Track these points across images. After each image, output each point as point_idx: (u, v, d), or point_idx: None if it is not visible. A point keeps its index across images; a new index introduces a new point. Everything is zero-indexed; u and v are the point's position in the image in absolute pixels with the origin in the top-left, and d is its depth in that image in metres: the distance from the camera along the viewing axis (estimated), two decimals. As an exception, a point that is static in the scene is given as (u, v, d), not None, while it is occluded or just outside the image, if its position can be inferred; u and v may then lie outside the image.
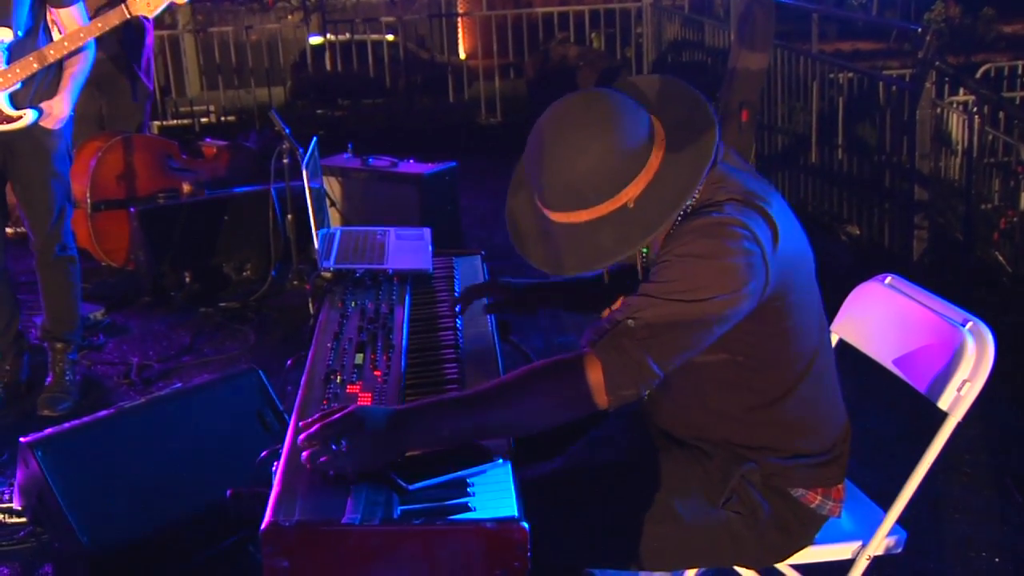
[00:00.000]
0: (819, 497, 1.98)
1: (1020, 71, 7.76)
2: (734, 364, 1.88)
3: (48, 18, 3.71)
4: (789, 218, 1.85)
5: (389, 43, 9.92)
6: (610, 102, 1.78)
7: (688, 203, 1.80)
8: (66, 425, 2.90)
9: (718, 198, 1.78)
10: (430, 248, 2.86)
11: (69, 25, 3.69)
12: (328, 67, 9.93)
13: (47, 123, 3.69)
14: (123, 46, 5.56)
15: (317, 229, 2.86)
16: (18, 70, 3.57)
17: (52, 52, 3.62)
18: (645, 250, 1.96)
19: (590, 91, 1.83)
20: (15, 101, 3.63)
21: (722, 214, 1.74)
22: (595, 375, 1.71)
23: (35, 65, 3.59)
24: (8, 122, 3.63)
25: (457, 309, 2.40)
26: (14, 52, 3.58)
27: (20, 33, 3.58)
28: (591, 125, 1.76)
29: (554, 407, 1.74)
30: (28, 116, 3.63)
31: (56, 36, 3.74)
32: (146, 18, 5.58)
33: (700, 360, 1.83)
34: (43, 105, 3.67)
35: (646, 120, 1.80)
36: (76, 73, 3.75)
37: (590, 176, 1.75)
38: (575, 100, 1.81)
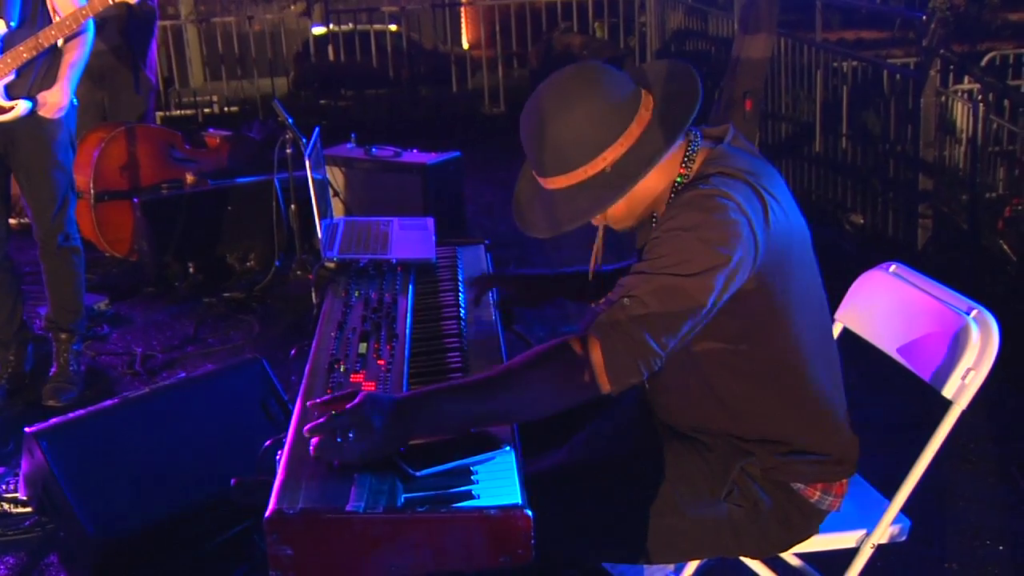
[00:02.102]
0: (819, 492, 1.98)
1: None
2: (732, 352, 1.88)
3: (48, 7, 3.68)
4: (786, 198, 1.86)
5: (392, 33, 9.91)
6: (595, 72, 1.84)
7: (680, 180, 1.85)
8: (71, 415, 2.91)
9: (707, 172, 1.82)
10: (434, 238, 2.85)
11: (65, 10, 3.66)
12: (331, 57, 9.91)
13: (46, 112, 3.68)
14: (124, 37, 5.55)
15: (320, 219, 2.86)
16: (9, 60, 3.56)
17: (43, 40, 3.59)
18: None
19: (580, 63, 1.88)
20: (13, 91, 3.61)
21: (708, 186, 1.78)
22: (595, 356, 1.71)
23: (25, 55, 3.57)
24: (2, 113, 3.61)
25: (463, 300, 2.40)
26: (8, 43, 3.56)
27: (13, 24, 3.56)
28: (574, 91, 1.81)
29: (557, 390, 1.73)
30: (21, 106, 3.62)
31: None
32: (149, 14, 5.59)
33: (699, 349, 1.84)
34: (39, 95, 3.66)
35: (632, 90, 1.84)
36: (74, 61, 3.72)
37: (572, 138, 1.80)
38: (564, 71, 1.86)
